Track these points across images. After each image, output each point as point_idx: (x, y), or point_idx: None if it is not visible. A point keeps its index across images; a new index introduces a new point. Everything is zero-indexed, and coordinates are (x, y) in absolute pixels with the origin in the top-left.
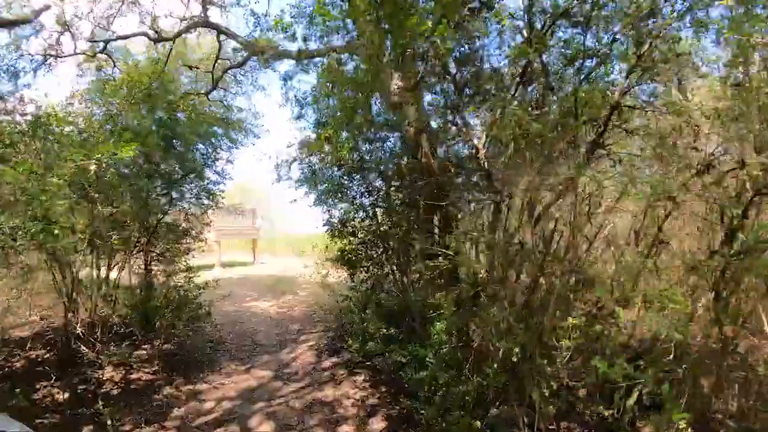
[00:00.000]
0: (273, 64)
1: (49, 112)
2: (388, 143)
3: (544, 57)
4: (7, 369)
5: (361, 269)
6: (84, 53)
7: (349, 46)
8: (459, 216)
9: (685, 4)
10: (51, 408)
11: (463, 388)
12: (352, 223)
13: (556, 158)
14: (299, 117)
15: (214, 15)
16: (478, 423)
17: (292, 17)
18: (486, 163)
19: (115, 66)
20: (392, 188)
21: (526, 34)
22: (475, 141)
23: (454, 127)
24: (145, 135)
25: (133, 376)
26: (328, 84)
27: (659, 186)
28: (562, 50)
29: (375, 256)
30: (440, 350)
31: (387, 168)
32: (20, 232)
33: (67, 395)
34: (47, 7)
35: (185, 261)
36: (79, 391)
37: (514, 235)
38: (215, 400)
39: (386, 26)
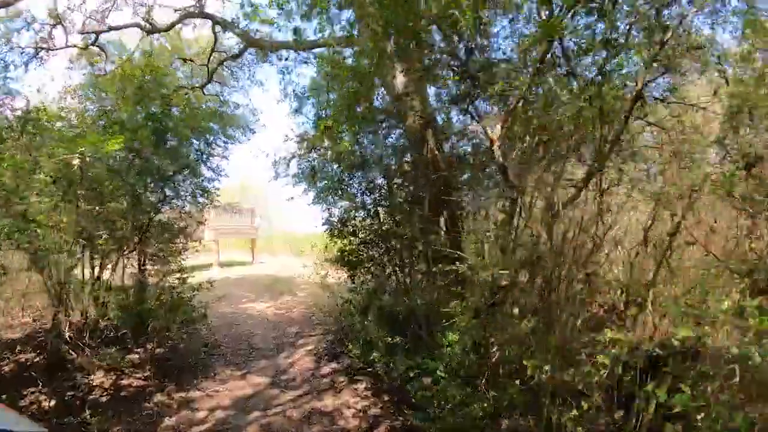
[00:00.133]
0: (271, 58)
1: (39, 107)
2: (391, 138)
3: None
4: None
5: (362, 270)
6: (75, 46)
7: (350, 38)
8: (467, 214)
9: None
10: (37, 416)
11: (479, 406)
12: (353, 222)
13: (576, 151)
14: (297, 111)
15: (213, 7)
16: None
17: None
18: (501, 156)
19: (107, 59)
20: (395, 185)
21: (543, 18)
22: (489, 132)
23: (464, 119)
24: (135, 129)
25: (124, 382)
26: (328, 75)
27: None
28: (577, 41)
29: (377, 257)
30: (452, 363)
31: (390, 164)
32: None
33: (54, 402)
34: None
35: (180, 261)
36: (67, 397)
37: (535, 235)
38: (208, 409)
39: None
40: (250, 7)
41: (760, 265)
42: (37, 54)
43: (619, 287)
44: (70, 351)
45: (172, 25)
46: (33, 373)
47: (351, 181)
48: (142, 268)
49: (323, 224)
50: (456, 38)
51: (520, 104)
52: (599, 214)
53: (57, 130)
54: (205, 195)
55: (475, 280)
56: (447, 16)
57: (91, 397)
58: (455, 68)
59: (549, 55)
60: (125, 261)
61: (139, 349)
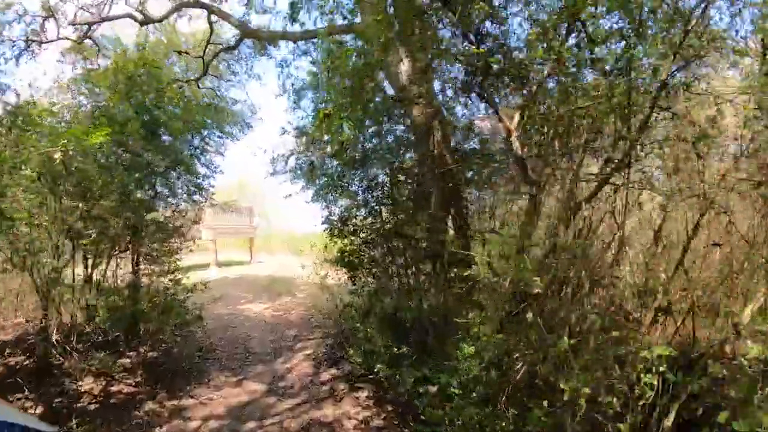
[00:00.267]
0: (269, 50)
1: (28, 101)
2: (396, 131)
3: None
4: None
5: (363, 272)
6: (67, 39)
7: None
8: (479, 213)
9: None
10: None
11: (499, 427)
12: (354, 221)
13: (594, 142)
14: (296, 105)
15: None
16: None
17: None
18: (519, 148)
19: (99, 52)
20: (399, 181)
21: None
22: (506, 122)
23: (472, 111)
24: (124, 122)
25: (114, 389)
26: (329, 67)
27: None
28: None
29: (379, 258)
30: (468, 379)
31: (394, 159)
32: None
33: (41, 409)
34: None
35: (174, 261)
36: (54, 404)
37: (561, 236)
38: (201, 418)
39: None
40: None
41: None
42: (29, 47)
43: (651, 292)
44: (58, 355)
45: (166, 16)
46: (20, 378)
47: (352, 178)
48: (136, 268)
49: (322, 223)
50: (467, 22)
51: (539, 92)
52: (624, 212)
53: (48, 125)
54: (201, 193)
55: (494, 286)
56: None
57: (78, 404)
58: (463, 58)
59: (571, 40)
60: (118, 261)
61: (131, 353)
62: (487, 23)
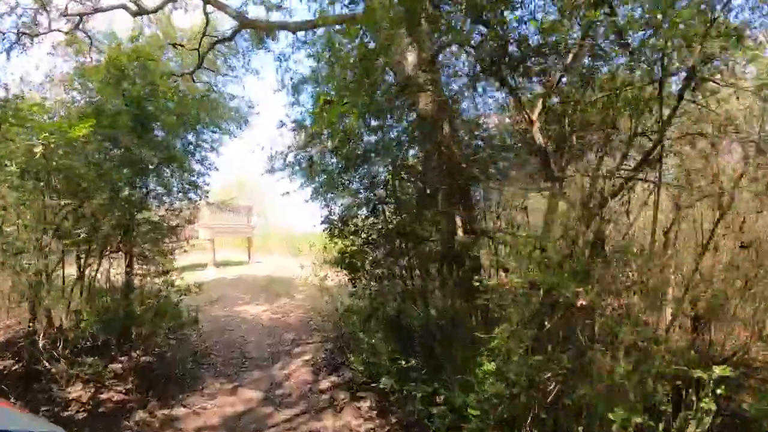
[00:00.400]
0: (267, 43)
1: (17, 95)
2: (398, 128)
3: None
4: None
5: (365, 274)
6: (59, 30)
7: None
8: (493, 211)
9: None
10: None
11: None
12: (355, 221)
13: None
14: (295, 98)
15: None
16: None
17: None
18: (542, 140)
19: (92, 45)
20: (404, 178)
21: None
22: (527, 112)
23: (483, 103)
24: (112, 115)
25: (104, 396)
26: (331, 58)
27: None
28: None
29: (382, 260)
30: (487, 398)
31: (398, 154)
32: None
33: None
34: None
35: (168, 262)
36: (41, 412)
37: (591, 237)
38: (194, 429)
39: None
40: None
41: None
42: (19, 40)
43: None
44: (45, 361)
45: (161, 6)
46: (7, 383)
47: (354, 175)
48: (128, 269)
49: (322, 223)
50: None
51: (566, 77)
52: (655, 212)
53: (36, 120)
54: (196, 191)
55: (527, 297)
56: None
57: (66, 412)
58: (471, 48)
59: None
60: (111, 262)
61: (123, 357)
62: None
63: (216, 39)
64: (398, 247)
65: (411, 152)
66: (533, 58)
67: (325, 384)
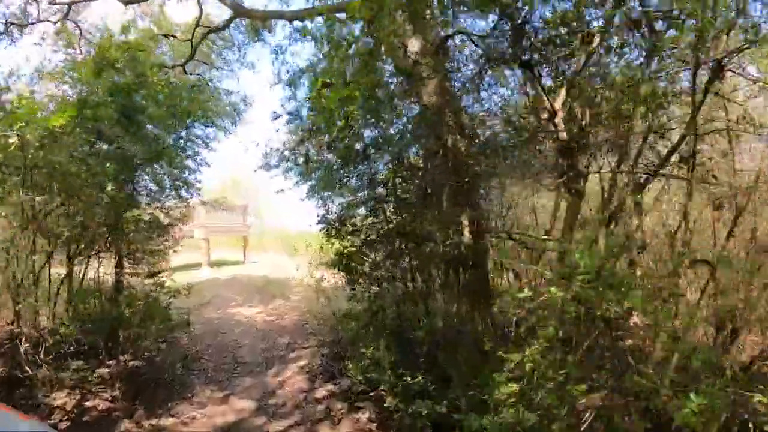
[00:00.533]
0: (263, 34)
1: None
2: (399, 124)
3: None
4: None
5: (364, 277)
6: (48, 21)
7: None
8: (503, 210)
9: None
10: None
11: None
12: (353, 220)
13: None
14: (292, 91)
15: None
16: None
17: None
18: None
19: (81, 35)
20: (405, 176)
21: None
22: (547, 101)
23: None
24: (96, 105)
25: (89, 403)
26: (332, 49)
27: None
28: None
29: (381, 262)
30: (509, 424)
31: (400, 149)
32: None
33: None
34: None
35: (157, 262)
36: None
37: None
38: None
39: None
40: None
41: None
42: (8, 30)
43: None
44: (27, 366)
45: None
46: None
47: (353, 171)
48: (117, 269)
49: (318, 222)
50: None
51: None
52: (684, 212)
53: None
54: (188, 188)
55: (567, 312)
56: None
57: (50, 421)
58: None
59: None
60: (100, 262)
61: (111, 362)
62: None
63: (209, 29)
64: (399, 249)
65: (414, 147)
66: (557, 41)
67: (321, 393)
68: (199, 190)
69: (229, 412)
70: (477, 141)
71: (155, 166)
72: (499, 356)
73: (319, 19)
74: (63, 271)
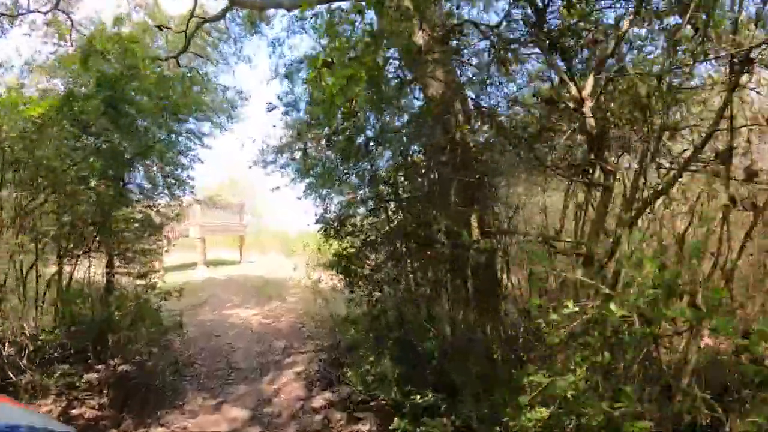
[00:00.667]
0: (260, 27)
1: None
2: (402, 118)
3: None
4: None
5: (364, 279)
6: (38, 11)
7: None
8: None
9: None
10: None
11: None
12: (353, 220)
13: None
14: (289, 80)
15: None
16: None
17: None
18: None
19: (72, 26)
20: (409, 172)
21: None
22: (573, 90)
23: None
24: (84, 98)
25: (75, 411)
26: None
27: None
28: None
29: (383, 264)
30: None
31: (403, 145)
32: None
33: None
34: None
35: (148, 262)
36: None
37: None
38: None
39: None
40: None
41: None
42: None
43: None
44: (9, 371)
45: None
46: None
47: (353, 168)
48: (108, 270)
49: (316, 222)
50: None
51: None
52: (725, 213)
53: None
54: (179, 185)
55: (620, 328)
56: None
57: None
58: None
59: None
60: (90, 262)
61: (99, 366)
62: None
63: (204, 19)
64: (402, 250)
65: (419, 142)
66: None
67: (318, 401)
68: (193, 188)
69: (222, 421)
70: (488, 132)
71: (147, 162)
72: (518, 375)
73: (320, 8)
74: (51, 270)
